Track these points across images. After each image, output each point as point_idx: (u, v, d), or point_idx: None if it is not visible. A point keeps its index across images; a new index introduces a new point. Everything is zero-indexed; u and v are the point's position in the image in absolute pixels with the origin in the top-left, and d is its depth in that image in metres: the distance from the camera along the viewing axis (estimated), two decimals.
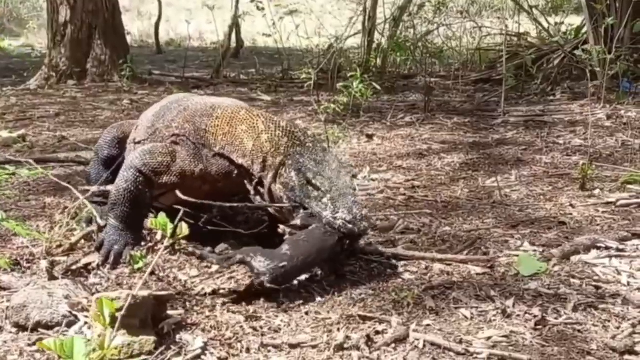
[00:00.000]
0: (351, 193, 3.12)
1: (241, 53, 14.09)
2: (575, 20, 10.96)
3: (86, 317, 2.73)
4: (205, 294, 3.04)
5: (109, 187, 3.63)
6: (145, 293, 2.59)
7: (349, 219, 3.02)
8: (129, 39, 14.11)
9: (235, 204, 3.47)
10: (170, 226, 2.42)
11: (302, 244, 3.01)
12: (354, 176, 4.87)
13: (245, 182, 3.41)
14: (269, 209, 3.37)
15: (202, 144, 3.47)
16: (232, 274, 3.24)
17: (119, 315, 2.52)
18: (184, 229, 2.46)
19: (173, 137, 3.56)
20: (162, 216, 2.56)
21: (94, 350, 2.16)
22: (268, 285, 2.89)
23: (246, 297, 2.95)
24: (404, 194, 4.53)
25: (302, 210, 3.13)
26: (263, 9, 9.40)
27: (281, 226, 3.19)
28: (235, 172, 3.41)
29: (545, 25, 9.77)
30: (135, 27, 19.06)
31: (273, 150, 3.30)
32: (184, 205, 3.49)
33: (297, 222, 3.12)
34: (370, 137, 6.25)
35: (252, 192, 3.38)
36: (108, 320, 2.20)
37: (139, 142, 3.79)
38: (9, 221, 2.54)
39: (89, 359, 2.13)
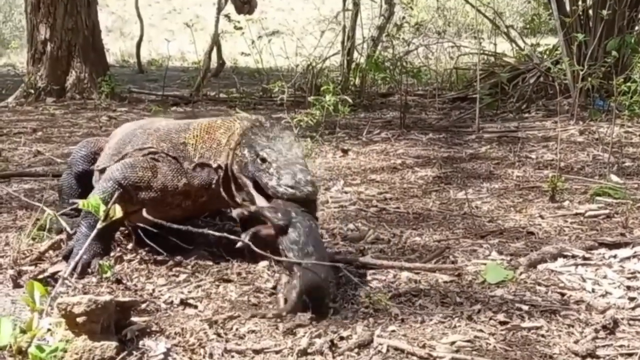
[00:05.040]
0: (299, 162, 3.13)
1: (222, 72, 14.11)
2: (551, 41, 11.08)
3: (49, 323, 2.71)
4: (171, 302, 3.04)
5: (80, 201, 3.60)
6: (107, 298, 2.58)
7: (291, 184, 3.03)
8: (110, 58, 14.16)
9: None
10: (102, 208, 2.41)
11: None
12: (327, 189, 4.90)
13: (221, 190, 3.39)
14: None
15: (183, 157, 3.44)
16: (199, 282, 3.25)
17: (80, 320, 2.53)
18: (117, 211, 2.44)
19: (150, 154, 3.49)
20: (95, 198, 2.54)
21: (22, 332, 2.15)
22: None
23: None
24: (376, 206, 4.55)
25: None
26: (241, 28, 9.43)
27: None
28: (215, 179, 3.38)
29: (522, 45, 9.87)
30: (117, 47, 19.09)
31: (237, 136, 3.33)
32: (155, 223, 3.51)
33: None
34: (345, 151, 6.28)
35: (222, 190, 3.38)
36: (38, 302, 2.18)
37: (103, 170, 3.69)
38: None
39: (16, 340, 2.12)
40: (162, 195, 3.43)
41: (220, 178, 3.37)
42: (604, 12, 7.01)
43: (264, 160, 3.14)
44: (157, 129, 3.63)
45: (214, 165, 3.37)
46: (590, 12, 8.30)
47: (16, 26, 21.51)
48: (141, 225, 3.51)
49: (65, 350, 2.46)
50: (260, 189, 3.17)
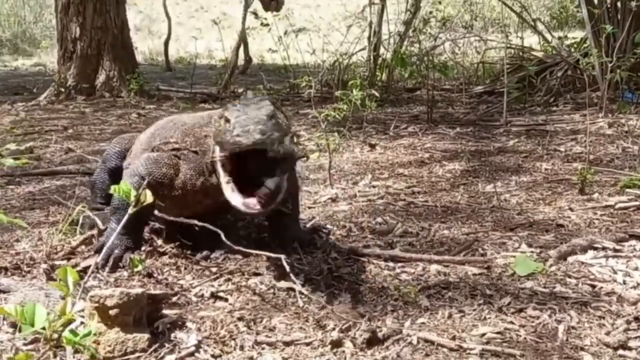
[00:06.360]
0: (259, 119, 2.94)
1: (249, 69, 14.18)
2: (578, 34, 11.01)
3: (82, 316, 2.76)
4: (202, 295, 3.07)
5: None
6: (139, 291, 2.62)
7: (239, 132, 2.88)
8: (139, 57, 14.30)
9: None
10: (133, 193, 2.44)
11: None
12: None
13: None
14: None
15: (203, 152, 3.40)
16: (229, 276, 3.28)
17: (113, 312, 2.56)
18: (148, 196, 2.46)
19: (173, 151, 3.50)
20: (126, 184, 2.57)
21: (58, 317, 2.18)
22: None
23: None
24: (404, 200, 4.55)
25: None
26: (267, 24, 9.48)
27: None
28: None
29: (549, 38, 9.81)
30: (145, 46, 19.28)
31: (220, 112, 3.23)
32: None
33: None
34: (372, 146, 6.29)
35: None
36: (71, 288, 2.22)
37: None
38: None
39: (50, 325, 2.15)
40: (183, 193, 3.43)
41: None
42: (633, 3, 6.95)
43: (227, 120, 3.01)
44: (184, 123, 3.63)
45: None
46: (619, 4, 8.24)
47: (46, 26, 21.80)
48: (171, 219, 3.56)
49: (98, 342, 2.50)
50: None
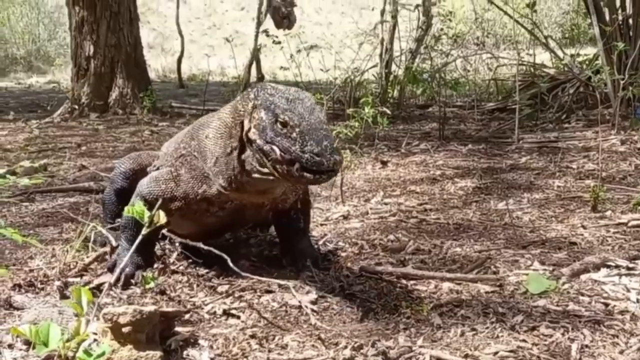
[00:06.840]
0: (323, 127, 2.85)
1: None
2: (590, 51, 11.01)
3: (94, 333, 2.77)
4: (214, 312, 3.08)
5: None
6: (151, 308, 2.62)
7: (317, 151, 2.76)
8: (152, 74, 14.40)
9: None
10: (147, 214, 2.46)
11: None
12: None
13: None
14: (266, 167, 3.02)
15: (204, 157, 3.30)
16: (241, 293, 3.28)
17: (126, 330, 2.57)
18: (162, 217, 2.48)
19: (180, 158, 3.42)
20: (140, 204, 2.59)
21: (71, 337, 2.19)
22: None
23: None
24: (416, 217, 4.55)
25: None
26: (279, 42, 9.54)
27: None
28: (232, 163, 3.17)
29: (561, 55, 9.82)
30: (158, 63, 19.40)
31: (243, 103, 3.12)
32: (194, 235, 3.52)
33: None
34: (384, 163, 6.30)
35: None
36: (85, 308, 2.23)
37: (157, 169, 3.68)
38: (7, 229, 2.59)
39: (64, 345, 2.16)
40: (186, 203, 3.37)
41: (234, 159, 3.16)
42: None
43: (284, 124, 2.88)
44: (194, 125, 3.55)
45: (228, 150, 3.18)
46: (630, 21, 8.24)
47: (60, 44, 22.00)
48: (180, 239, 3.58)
49: None
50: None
